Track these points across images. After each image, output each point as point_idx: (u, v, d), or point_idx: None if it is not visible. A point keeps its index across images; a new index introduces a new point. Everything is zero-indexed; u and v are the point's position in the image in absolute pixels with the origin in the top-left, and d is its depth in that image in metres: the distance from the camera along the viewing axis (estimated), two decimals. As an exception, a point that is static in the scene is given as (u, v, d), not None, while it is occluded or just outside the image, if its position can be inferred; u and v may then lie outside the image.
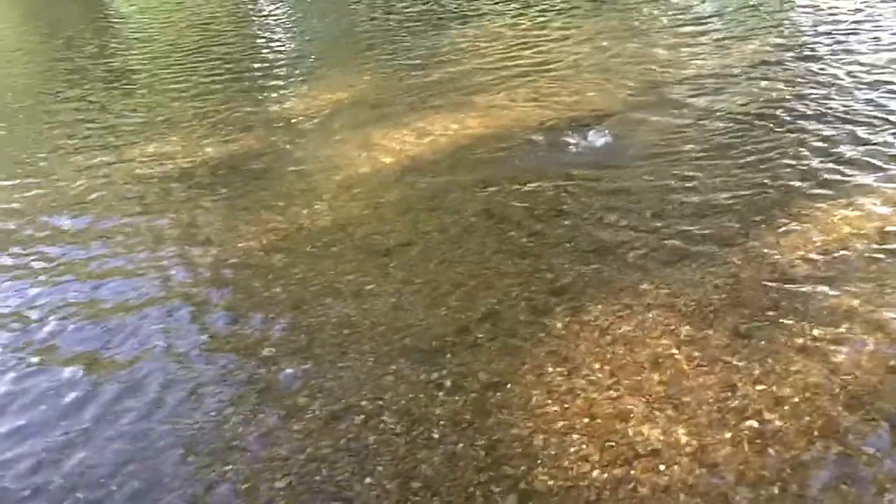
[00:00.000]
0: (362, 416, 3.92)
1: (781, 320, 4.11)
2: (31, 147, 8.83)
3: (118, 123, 9.24)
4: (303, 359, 4.42)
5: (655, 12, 10.59)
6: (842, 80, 7.21)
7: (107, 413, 4.23)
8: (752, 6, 10.29)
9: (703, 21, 9.82)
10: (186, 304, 5.17)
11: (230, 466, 3.75)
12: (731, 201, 5.35)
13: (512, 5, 12.42)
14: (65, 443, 4.05)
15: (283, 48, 12.54)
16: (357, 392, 4.09)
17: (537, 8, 11.94)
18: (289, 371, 4.34)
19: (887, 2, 9.36)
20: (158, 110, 9.56)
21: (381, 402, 4.00)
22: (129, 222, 6.47)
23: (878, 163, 5.59)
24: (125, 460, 3.88)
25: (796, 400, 3.56)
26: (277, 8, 15.99)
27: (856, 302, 4.17)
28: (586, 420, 3.66)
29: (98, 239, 6.23)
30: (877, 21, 8.79)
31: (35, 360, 4.79)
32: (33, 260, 6.05)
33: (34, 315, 5.27)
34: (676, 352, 3.99)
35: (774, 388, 3.65)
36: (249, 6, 16.46)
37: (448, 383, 4.06)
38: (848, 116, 6.39)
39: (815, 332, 3.98)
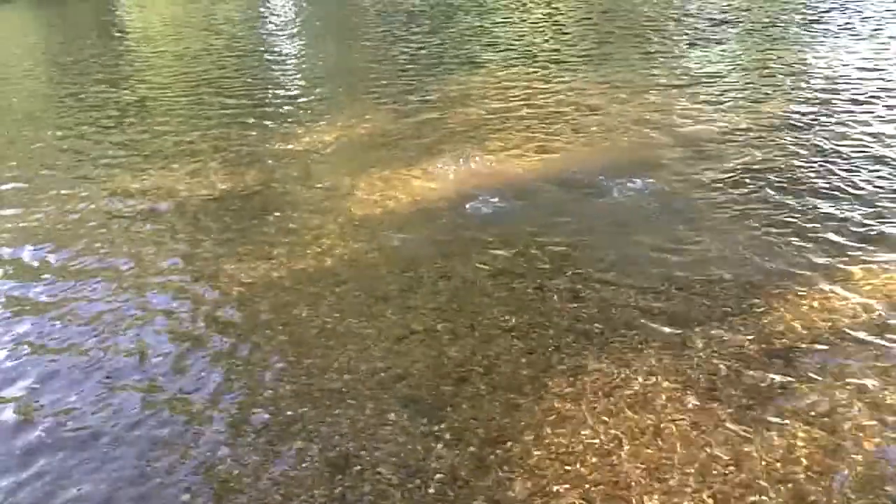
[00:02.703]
0: (359, 466, 3.87)
1: (788, 394, 4.07)
2: (23, 170, 8.91)
3: (117, 154, 9.24)
4: (302, 402, 4.37)
5: (656, 71, 10.65)
6: (853, 151, 7.14)
7: (102, 446, 4.17)
8: (747, 69, 10.37)
9: (707, 81, 9.88)
10: (185, 341, 5.12)
11: (223, 510, 3.70)
12: (739, 269, 5.32)
13: (515, 56, 12.53)
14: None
15: (289, 83, 12.57)
16: (355, 440, 4.04)
17: (541, 60, 12.06)
18: (288, 413, 4.29)
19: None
20: (162, 141, 9.56)
21: (378, 453, 3.94)
22: (125, 257, 6.42)
23: (888, 240, 5.54)
24: (118, 498, 3.82)
25: (802, 477, 3.52)
26: (285, 41, 16.11)
27: (865, 381, 4.13)
28: (586, 486, 3.61)
29: (87, 274, 6.18)
30: (887, 87, 8.84)
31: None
32: None
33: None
34: (681, 419, 3.95)
35: (779, 464, 3.61)
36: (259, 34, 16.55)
37: (447, 436, 4.01)
38: (859, 191, 6.31)
39: (822, 408, 3.95)
